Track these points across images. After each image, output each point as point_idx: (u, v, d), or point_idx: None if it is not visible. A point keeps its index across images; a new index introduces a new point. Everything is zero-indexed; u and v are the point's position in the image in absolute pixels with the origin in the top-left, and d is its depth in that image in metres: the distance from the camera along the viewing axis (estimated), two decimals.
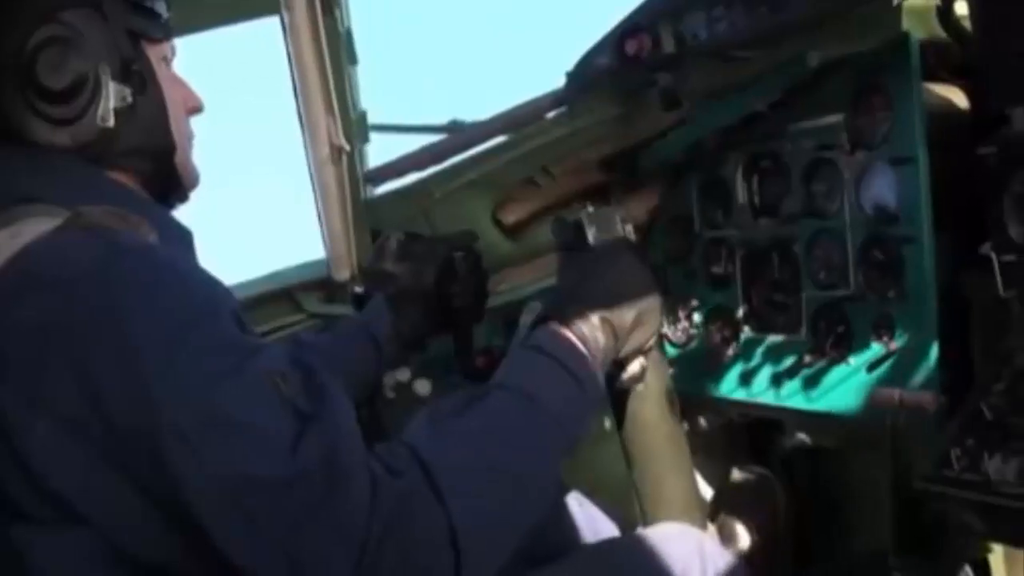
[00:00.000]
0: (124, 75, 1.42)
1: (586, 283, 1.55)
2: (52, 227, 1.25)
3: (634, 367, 1.65)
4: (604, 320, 1.50)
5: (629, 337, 1.55)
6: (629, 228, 1.72)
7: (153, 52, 1.49)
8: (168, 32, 1.54)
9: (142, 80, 1.45)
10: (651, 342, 1.62)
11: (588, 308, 1.51)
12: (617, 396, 1.95)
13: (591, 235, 1.67)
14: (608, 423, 2.12)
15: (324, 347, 1.94)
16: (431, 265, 2.10)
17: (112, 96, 1.40)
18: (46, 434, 1.15)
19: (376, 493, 1.16)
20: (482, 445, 1.29)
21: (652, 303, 1.57)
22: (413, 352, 2.17)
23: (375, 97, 2.54)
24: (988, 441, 1.52)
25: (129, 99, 1.42)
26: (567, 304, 1.51)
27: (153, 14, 1.49)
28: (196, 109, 1.62)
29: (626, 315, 1.54)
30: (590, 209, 1.72)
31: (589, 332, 1.48)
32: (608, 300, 1.53)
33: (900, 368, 1.90)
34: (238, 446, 1.14)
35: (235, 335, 1.23)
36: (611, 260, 1.60)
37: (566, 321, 1.48)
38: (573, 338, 1.47)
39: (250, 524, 1.13)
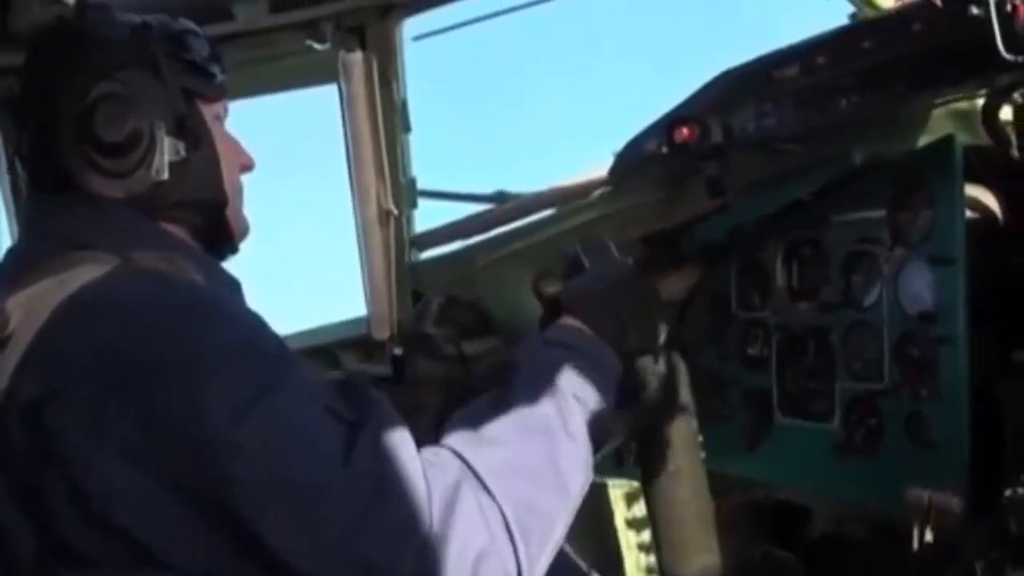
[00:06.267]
0: (178, 131, 1.47)
1: (587, 290, 1.56)
2: (103, 272, 1.31)
3: (651, 381, 1.66)
4: (607, 309, 1.51)
5: (635, 323, 1.54)
6: (628, 259, 1.71)
7: (207, 110, 1.55)
8: (222, 92, 1.59)
9: (196, 136, 1.50)
10: (660, 338, 1.61)
11: (590, 300, 1.53)
12: (648, 476, 1.96)
13: (587, 262, 1.65)
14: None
15: None
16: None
17: (166, 151, 1.45)
18: (108, 464, 1.18)
19: (430, 488, 1.22)
20: (511, 441, 1.33)
21: (653, 299, 1.61)
22: None
23: (424, 163, 2.60)
24: (1013, 555, 1.52)
25: (183, 153, 1.47)
26: (568, 303, 1.53)
27: (208, 74, 1.55)
28: (247, 167, 1.66)
29: (628, 304, 1.54)
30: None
31: (592, 316, 1.50)
32: (609, 293, 1.54)
33: (929, 467, 1.90)
34: (292, 454, 1.19)
35: (282, 351, 1.29)
36: (608, 271, 1.60)
37: (569, 314, 1.51)
38: (577, 323, 1.49)
39: (315, 530, 1.18)
